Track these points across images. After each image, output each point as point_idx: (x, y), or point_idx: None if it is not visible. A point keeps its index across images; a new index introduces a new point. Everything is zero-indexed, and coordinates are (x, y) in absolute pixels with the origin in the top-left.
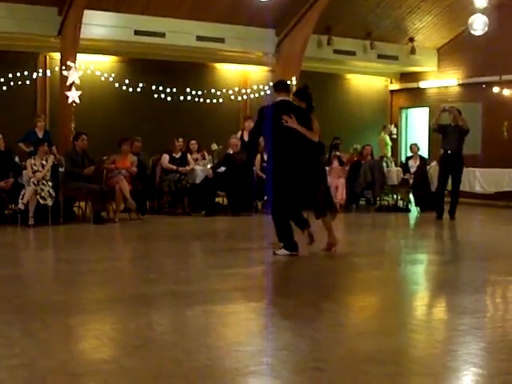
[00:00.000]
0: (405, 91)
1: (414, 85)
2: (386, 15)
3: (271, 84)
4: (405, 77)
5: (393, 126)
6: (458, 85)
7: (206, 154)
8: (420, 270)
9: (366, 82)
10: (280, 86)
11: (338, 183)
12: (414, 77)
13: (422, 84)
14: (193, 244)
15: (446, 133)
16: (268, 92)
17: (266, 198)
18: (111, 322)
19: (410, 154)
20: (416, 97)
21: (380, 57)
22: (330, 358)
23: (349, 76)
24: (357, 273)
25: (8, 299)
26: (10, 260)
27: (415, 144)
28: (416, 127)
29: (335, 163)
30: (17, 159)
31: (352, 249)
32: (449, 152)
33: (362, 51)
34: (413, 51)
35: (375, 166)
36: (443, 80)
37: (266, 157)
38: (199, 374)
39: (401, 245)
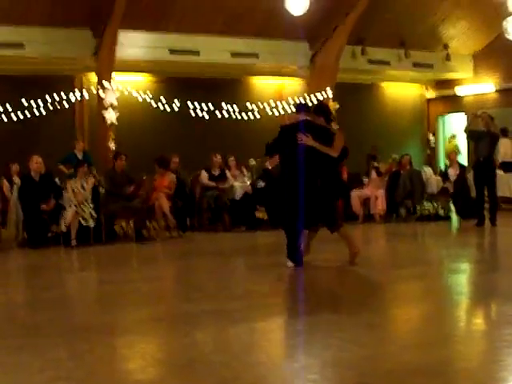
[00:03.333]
0: (441, 99)
1: (450, 92)
2: (419, 23)
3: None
4: (441, 84)
5: (431, 134)
6: (495, 91)
7: (244, 169)
8: (463, 279)
9: (402, 90)
10: (299, 106)
11: (377, 194)
12: (450, 84)
13: (458, 91)
14: (234, 260)
15: (477, 139)
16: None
17: None
18: (156, 342)
19: (447, 162)
20: (453, 104)
21: (415, 65)
22: (376, 372)
23: (384, 85)
24: (399, 284)
25: (53, 321)
26: (54, 282)
27: (452, 152)
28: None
29: (373, 174)
30: (57, 181)
31: (393, 259)
32: (481, 159)
33: (397, 60)
34: (448, 58)
35: (414, 175)
36: (480, 86)
37: None
38: None
39: (443, 254)
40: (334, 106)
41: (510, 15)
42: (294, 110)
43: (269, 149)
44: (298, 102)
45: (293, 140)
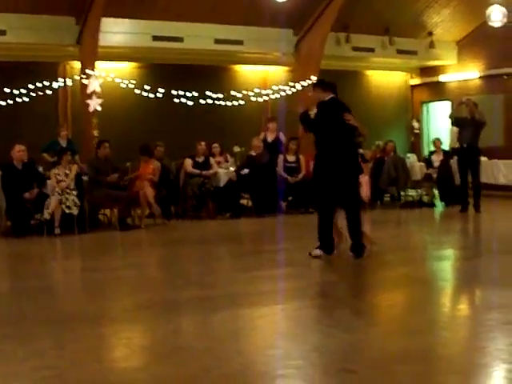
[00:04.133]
0: (425, 85)
1: (434, 79)
2: (403, 10)
3: (314, 82)
4: (425, 71)
5: (415, 120)
6: (479, 77)
7: (228, 156)
8: (447, 265)
9: (386, 77)
10: (325, 84)
11: (361, 180)
12: (435, 71)
13: (442, 78)
14: (218, 248)
15: (462, 126)
16: (288, 92)
17: (290, 198)
18: (141, 330)
19: (432, 148)
20: (437, 91)
21: (399, 52)
22: (360, 359)
23: (369, 73)
24: (384, 271)
25: (38, 310)
26: (38, 271)
27: (438, 139)
28: (438, 121)
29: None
30: (40, 169)
31: (378, 246)
32: (464, 146)
33: (381, 47)
34: (432, 45)
35: (398, 162)
36: (464, 73)
37: (289, 158)
38: (229, 379)
39: (426, 240)
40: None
41: (493, 3)
42: (314, 87)
43: (309, 123)
44: (317, 80)
45: (331, 118)
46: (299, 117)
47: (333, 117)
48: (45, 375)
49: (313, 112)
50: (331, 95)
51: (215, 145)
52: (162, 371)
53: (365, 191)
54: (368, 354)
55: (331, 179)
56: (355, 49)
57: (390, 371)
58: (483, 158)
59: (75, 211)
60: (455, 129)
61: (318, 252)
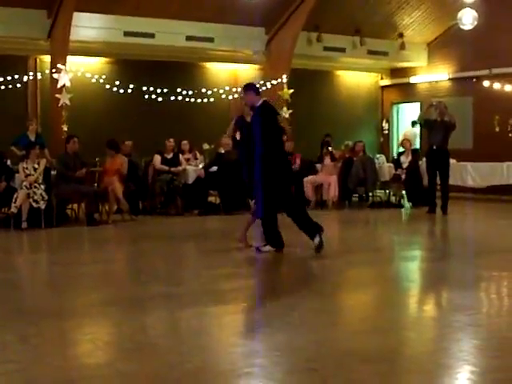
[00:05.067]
0: (396, 87)
1: (404, 80)
2: (374, 11)
3: (245, 85)
4: (395, 72)
5: (384, 121)
6: (449, 79)
7: (197, 153)
8: (412, 266)
9: (357, 78)
10: (255, 88)
11: (330, 180)
12: (405, 72)
13: (412, 79)
14: (186, 244)
15: (432, 128)
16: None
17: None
18: (105, 325)
19: (401, 149)
20: (407, 92)
21: (370, 53)
22: (323, 357)
23: (339, 73)
24: (349, 270)
25: (1, 304)
26: (2, 264)
27: (407, 139)
28: (407, 122)
29: (327, 160)
30: (9, 163)
31: (344, 246)
32: (434, 147)
33: (352, 47)
34: (402, 47)
35: (367, 163)
36: (434, 75)
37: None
38: (193, 376)
39: (393, 241)
40: (287, 92)
41: (464, 6)
42: (247, 91)
43: (246, 127)
44: (249, 84)
45: (273, 123)
46: (234, 122)
47: (267, 120)
48: (7, 369)
49: (248, 116)
50: (263, 98)
51: (184, 142)
52: (126, 367)
53: (332, 190)
54: (331, 352)
55: (270, 180)
56: (326, 48)
57: (354, 370)
58: (452, 161)
59: (43, 205)
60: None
61: (267, 248)
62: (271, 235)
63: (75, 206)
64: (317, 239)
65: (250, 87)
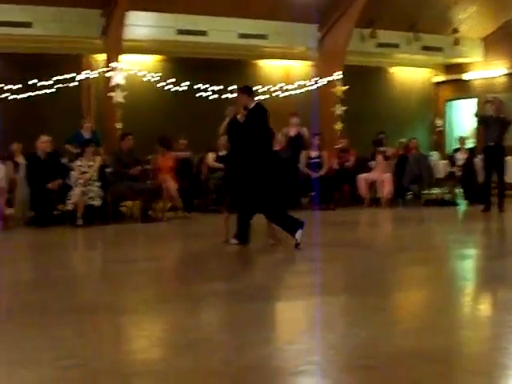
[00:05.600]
0: (450, 83)
1: (459, 76)
2: (429, 6)
3: (240, 87)
4: (450, 68)
5: (438, 118)
6: (505, 75)
7: None
8: (468, 265)
9: (411, 74)
10: (252, 91)
11: (383, 178)
12: (460, 68)
13: (467, 75)
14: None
15: (487, 124)
16: (312, 87)
17: (312, 193)
18: (160, 321)
19: (457, 146)
20: (462, 88)
21: (424, 48)
22: (380, 355)
23: (393, 69)
24: (404, 268)
25: (58, 299)
26: (59, 261)
27: (463, 137)
28: (463, 119)
29: (380, 158)
30: (64, 161)
31: (399, 244)
32: (490, 144)
33: (406, 43)
34: (457, 42)
35: (421, 160)
36: (489, 70)
37: (312, 153)
38: (248, 373)
39: (448, 239)
40: (340, 89)
41: None
42: (241, 92)
43: (238, 128)
44: (244, 86)
45: (263, 124)
46: (228, 123)
47: (258, 121)
48: (67, 364)
49: (240, 117)
50: (256, 101)
51: None
52: (181, 363)
53: (386, 188)
54: (387, 350)
55: (254, 179)
56: (380, 45)
57: (411, 369)
58: (509, 157)
59: (98, 203)
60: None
61: (234, 241)
62: (243, 230)
63: (129, 203)
64: (298, 234)
65: (243, 89)
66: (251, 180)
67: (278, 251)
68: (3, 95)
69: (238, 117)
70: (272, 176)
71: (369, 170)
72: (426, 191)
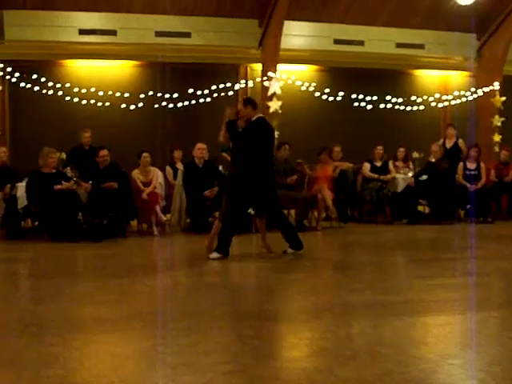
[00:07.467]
0: None
1: None
2: None
3: (246, 98)
4: None
5: None
6: None
7: (411, 163)
8: None
9: None
10: (256, 104)
11: None
12: None
13: None
14: (395, 253)
15: None
16: (470, 98)
17: (468, 206)
18: (320, 330)
19: None
20: None
21: None
22: None
23: None
24: None
25: (214, 306)
26: (216, 267)
27: None
28: None
29: None
30: (221, 168)
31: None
32: None
33: None
34: None
35: None
36: None
37: (470, 165)
38: None
39: None
40: (499, 100)
41: None
42: (247, 104)
43: (234, 133)
44: (249, 98)
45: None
46: (226, 123)
47: (258, 134)
48: (228, 369)
49: (240, 126)
50: (259, 114)
51: (401, 149)
52: (344, 373)
53: None
54: None
55: (248, 191)
56: None
57: None
58: None
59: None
60: None
61: (215, 255)
62: (226, 243)
63: (285, 211)
64: (290, 251)
65: (249, 101)
66: (246, 189)
67: (432, 266)
68: (163, 103)
69: (239, 123)
70: (268, 187)
71: None
72: None
